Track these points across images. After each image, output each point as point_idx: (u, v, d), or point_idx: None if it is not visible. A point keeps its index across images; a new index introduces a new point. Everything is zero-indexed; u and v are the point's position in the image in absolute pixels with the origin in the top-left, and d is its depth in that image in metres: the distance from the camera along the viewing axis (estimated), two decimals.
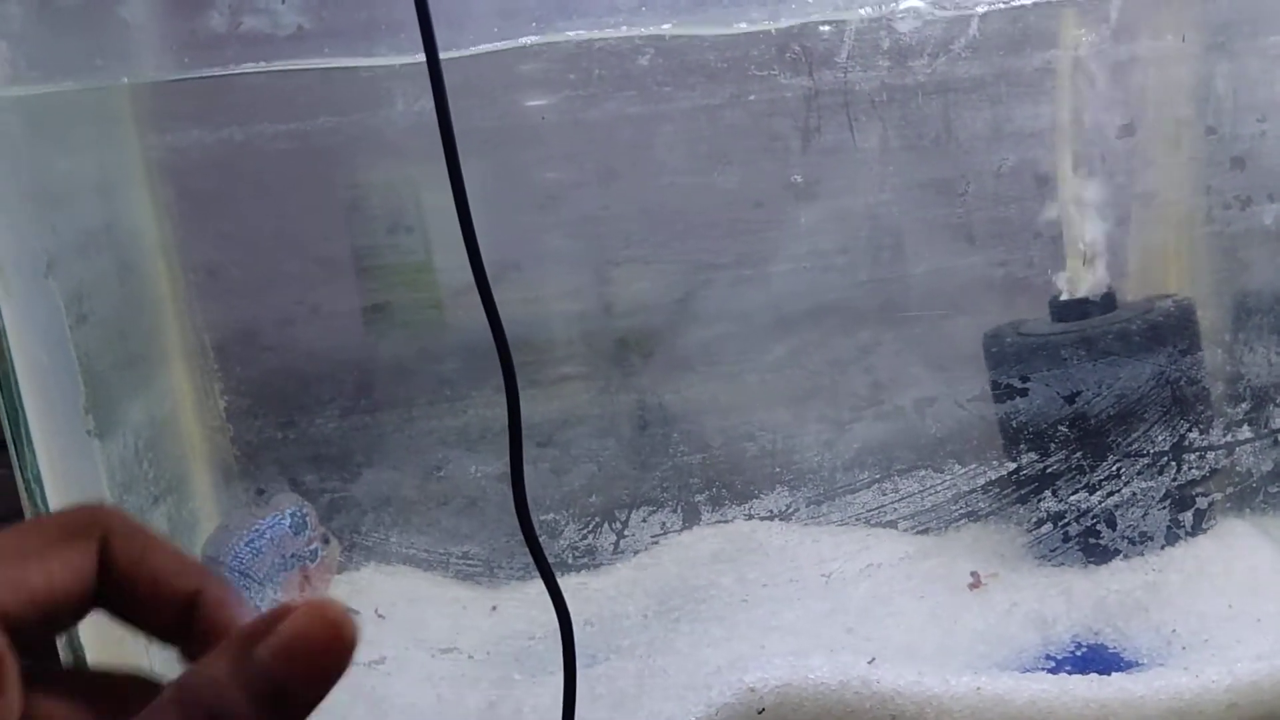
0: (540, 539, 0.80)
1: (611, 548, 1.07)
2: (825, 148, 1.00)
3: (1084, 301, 1.13)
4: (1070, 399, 1.09)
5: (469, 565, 1.10)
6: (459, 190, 0.72)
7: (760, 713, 0.88)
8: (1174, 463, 1.07)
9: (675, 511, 1.08)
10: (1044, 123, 0.99)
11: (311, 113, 0.99)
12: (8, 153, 0.75)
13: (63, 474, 0.76)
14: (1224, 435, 1.11)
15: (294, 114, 0.99)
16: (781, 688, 0.89)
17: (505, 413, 1.24)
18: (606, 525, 1.07)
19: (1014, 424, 1.11)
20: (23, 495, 0.75)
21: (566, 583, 1.02)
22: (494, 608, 1.21)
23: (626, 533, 1.07)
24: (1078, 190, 1.00)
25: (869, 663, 0.92)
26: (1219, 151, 1.06)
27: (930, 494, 1.10)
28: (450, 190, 0.72)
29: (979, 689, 0.91)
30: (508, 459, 1.20)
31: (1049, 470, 1.11)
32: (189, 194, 1.10)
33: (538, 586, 1.23)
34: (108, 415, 0.83)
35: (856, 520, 1.12)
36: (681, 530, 1.12)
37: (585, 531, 1.06)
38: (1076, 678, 0.94)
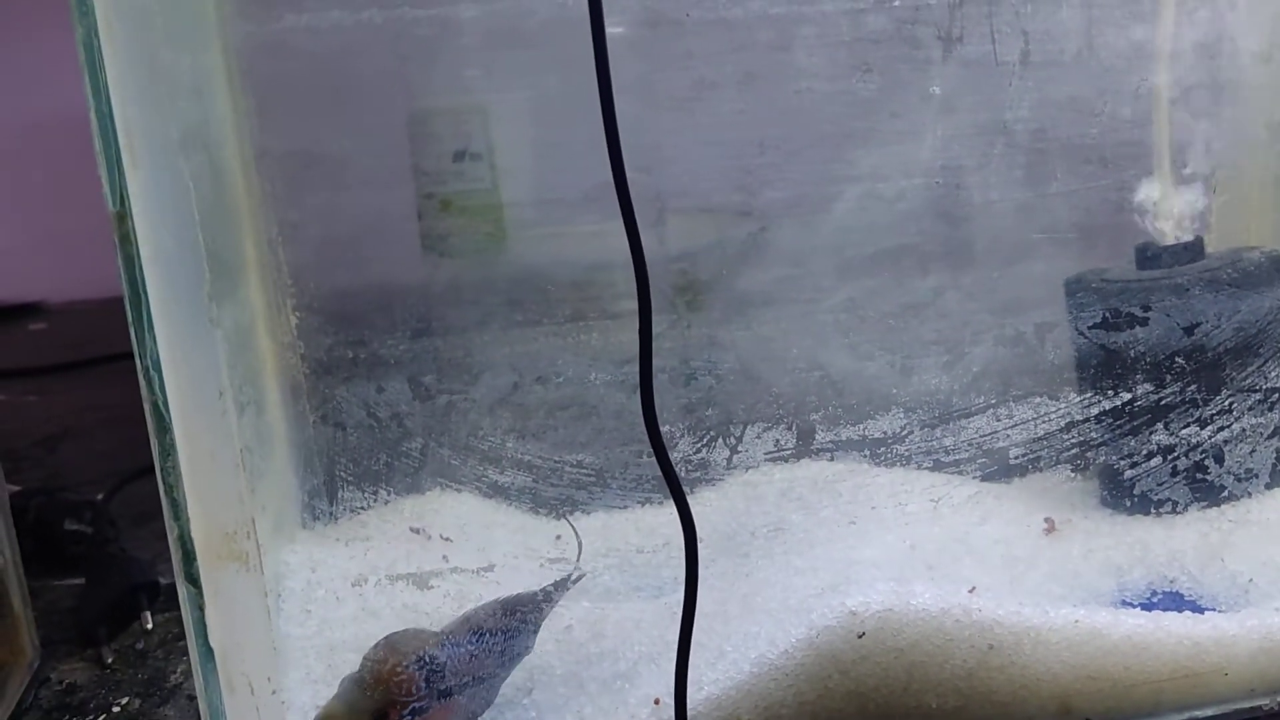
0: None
1: (725, 463, 1.06)
2: (966, 59, 0.99)
3: (1170, 249, 1.12)
4: (1178, 335, 1.08)
5: (583, 474, 1.09)
6: (604, 77, 0.70)
7: (860, 637, 0.88)
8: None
9: (790, 429, 1.07)
10: (1186, 43, 0.98)
11: None
12: (137, 26, 0.73)
13: (183, 362, 0.74)
14: None
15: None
16: (883, 613, 0.89)
17: (576, 342, 1.23)
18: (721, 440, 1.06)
19: (1094, 363, 1.10)
20: (142, 384, 0.74)
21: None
22: (558, 537, 1.20)
23: (740, 448, 1.06)
24: (1182, 121, 0.99)
25: (969, 591, 0.92)
26: None
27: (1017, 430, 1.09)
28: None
29: (1077, 622, 0.91)
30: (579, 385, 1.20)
31: (1121, 415, 1.11)
32: (269, 95, 1.08)
33: (601, 519, 1.24)
34: (223, 300, 0.81)
35: (961, 451, 1.11)
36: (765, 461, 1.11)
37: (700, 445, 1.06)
38: (1171, 614, 0.94)
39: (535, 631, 0.92)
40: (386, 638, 0.83)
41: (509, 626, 0.89)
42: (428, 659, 0.81)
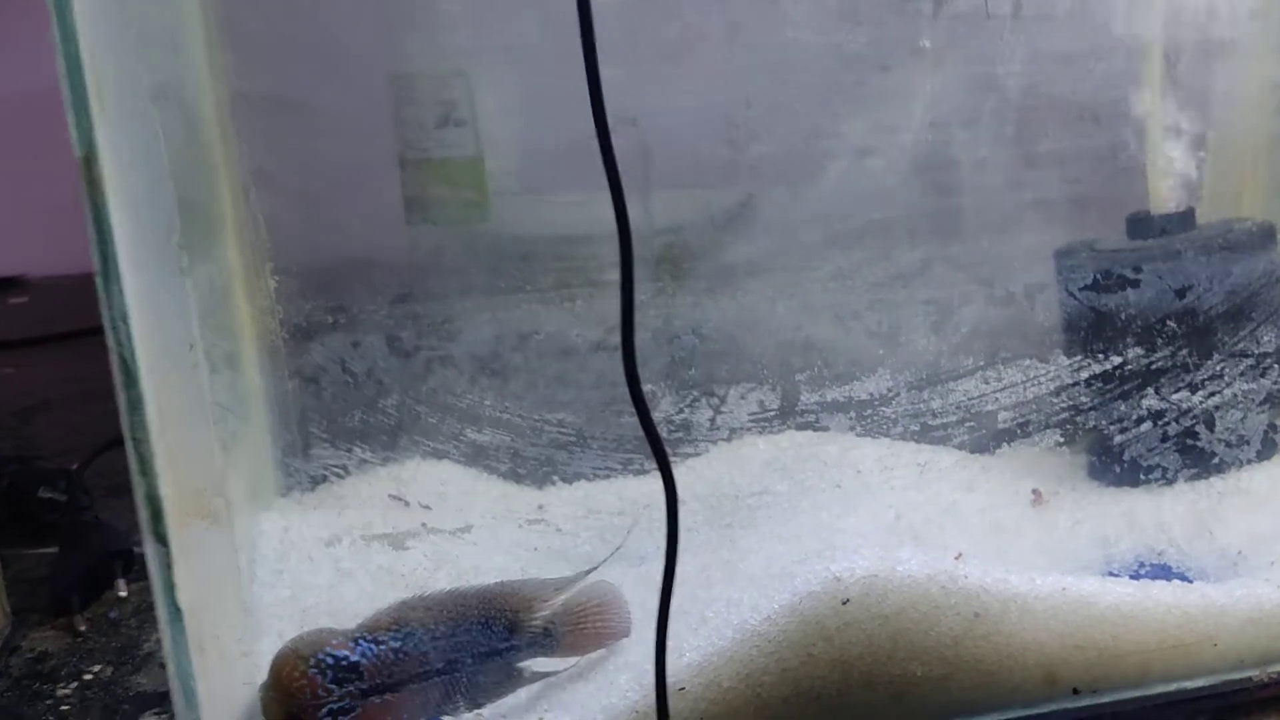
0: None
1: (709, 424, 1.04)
2: (957, 13, 0.98)
3: (1162, 218, 1.11)
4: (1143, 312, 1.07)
5: (563, 433, 1.07)
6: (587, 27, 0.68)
7: (845, 603, 0.86)
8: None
9: (774, 390, 1.06)
10: None
11: None
12: None
13: (152, 312, 0.72)
14: None
15: None
16: (868, 579, 0.87)
17: (559, 309, 1.22)
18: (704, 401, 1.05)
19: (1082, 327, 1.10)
20: (109, 335, 0.72)
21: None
22: (540, 506, 1.19)
23: (724, 409, 1.05)
24: (1175, 80, 0.98)
25: (955, 557, 0.90)
26: None
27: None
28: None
29: (1064, 589, 0.89)
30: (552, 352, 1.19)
31: (1111, 379, 1.09)
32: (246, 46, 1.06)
33: (584, 489, 1.23)
34: (197, 255, 0.79)
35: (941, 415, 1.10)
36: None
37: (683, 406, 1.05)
38: (1160, 583, 0.93)
39: (510, 627, 0.85)
40: (290, 640, 0.79)
41: (460, 619, 0.83)
42: (329, 661, 0.77)
